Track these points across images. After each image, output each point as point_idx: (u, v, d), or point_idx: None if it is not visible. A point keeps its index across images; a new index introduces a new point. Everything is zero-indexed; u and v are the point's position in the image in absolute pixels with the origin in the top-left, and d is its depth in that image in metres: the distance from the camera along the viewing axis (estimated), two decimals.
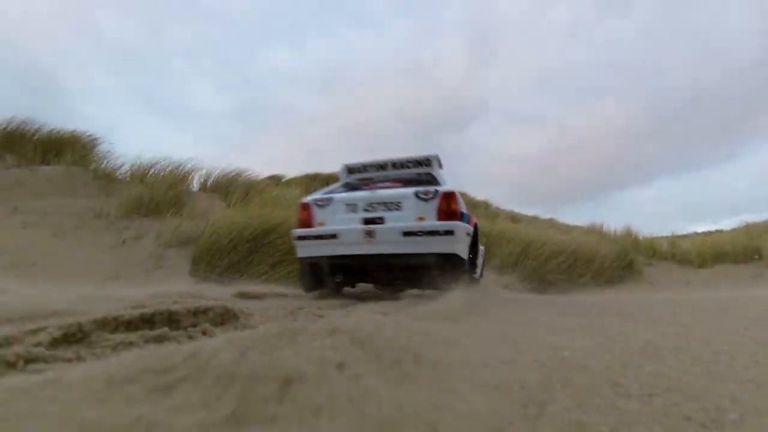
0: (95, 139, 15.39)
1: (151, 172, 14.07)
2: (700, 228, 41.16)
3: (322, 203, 7.00)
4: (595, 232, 20.01)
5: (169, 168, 14.34)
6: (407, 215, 6.63)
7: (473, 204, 28.95)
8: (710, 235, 24.54)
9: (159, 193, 12.46)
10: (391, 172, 8.29)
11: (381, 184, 7.47)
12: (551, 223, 26.93)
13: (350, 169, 8.69)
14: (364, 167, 8.57)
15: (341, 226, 6.64)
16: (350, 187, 7.61)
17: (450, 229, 6.38)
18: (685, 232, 31.00)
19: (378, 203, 6.69)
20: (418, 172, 8.00)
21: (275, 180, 24.41)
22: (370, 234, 6.36)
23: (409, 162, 8.21)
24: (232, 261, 9.78)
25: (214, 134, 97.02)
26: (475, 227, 7.81)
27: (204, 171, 15.85)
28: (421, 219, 6.54)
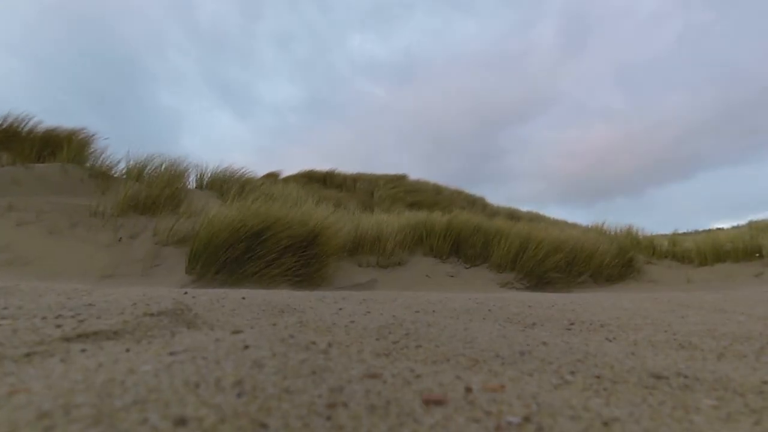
0: (91, 136, 15.44)
1: (147, 170, 14.13)
2: (722, 225, 41.18)
3: None
4: (595, 230, 20.05)
5: (166, 165, 14.40)
6: None
7: (473, 202, 29.07)
8: (711, 234, 24.57)
9: (155, 191, 12.50)
10: None
11: None
12: (551, 221, 26.98)
13: None
14: None
15: None
16: None
17: None
18: (685, 231, 31.06)
19: None
20: None
21: (272, 177, 24.48)
22: None
23: None
24: (228, 259, 9.86)
25: (275, 127, 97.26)
26: None
27: (200, 168, 15.98)
28: None
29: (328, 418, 1.37)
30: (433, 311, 4.95)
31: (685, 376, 2.40)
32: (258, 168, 31.46)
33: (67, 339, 2.27)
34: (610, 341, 3.46)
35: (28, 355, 2.04)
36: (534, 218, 27.59)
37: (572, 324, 4.40)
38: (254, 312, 4.20)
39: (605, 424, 1.68)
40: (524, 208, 31.64)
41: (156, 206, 12.18)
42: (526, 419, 1.60)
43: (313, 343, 2.17)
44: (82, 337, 2.32)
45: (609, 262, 15.60)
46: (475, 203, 28.86)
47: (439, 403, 1.61)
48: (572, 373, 2.41)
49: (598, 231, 19.78)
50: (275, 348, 1.96)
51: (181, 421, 1.25)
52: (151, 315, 2.80)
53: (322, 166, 30.73)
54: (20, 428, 1.24)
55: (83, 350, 2.11)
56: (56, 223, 10.60)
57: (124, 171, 14.30)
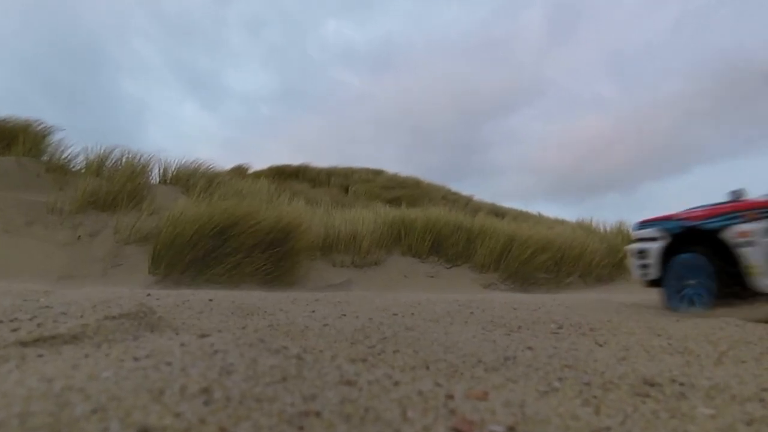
0: (49, 127, 15.25)
1: (107, 164, 14.00)
2: None
3: None
4: (583, 228, 20.10)
5: (127, 159, 14.26)
6: None
7: (454, 198, 29.06)
8: None
9: (116, 186, 12.38)
10: None
11: None
12: (537, 219, 27.03)
13: None
14: None
15: None
16: None
17: None
18: None
19: None
20: None
21: (240, 172, 24.35)
22: None
23: None
24: (194, 258, 9.81)
25: (245, 118, 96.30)
26: None
27: (164, 162, 15.85)
28: None
29: (301, 428, 1.36)
30: (412, 314, 4.94)
31: (680, 383, 2.41)
32: (226, 161, 31.22)
33: (23, 344, 2.25)
34: (601, 346, 3.48)
35: None
36: (520, 215, 27.59)
37: (560, 327, 4.41)
38: (222, 314, 4.18)
39: None
40: (509, 204, 31.68)
41: (117, 202, 12.05)
42: (511, 429, 1.60)
43: (285, 347, 2.15)
44: (39, 341, 2.30)
45: (599, 261, 15.63)
46: (457, 199, 28.85)
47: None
48: (560, 379, 2.42)
49: (588, 229, 19.80)
50: (244, 353, 1.94)
51: (144, 431, 1.24)
52: (113, 318, 2.77)
53: (294, 159, 30.65)
54: None
55: (40, 355, 2.08)
56: (11, 221, 10.48)
57: (83, 165, 14.15)
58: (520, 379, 2.37)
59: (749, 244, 5.78)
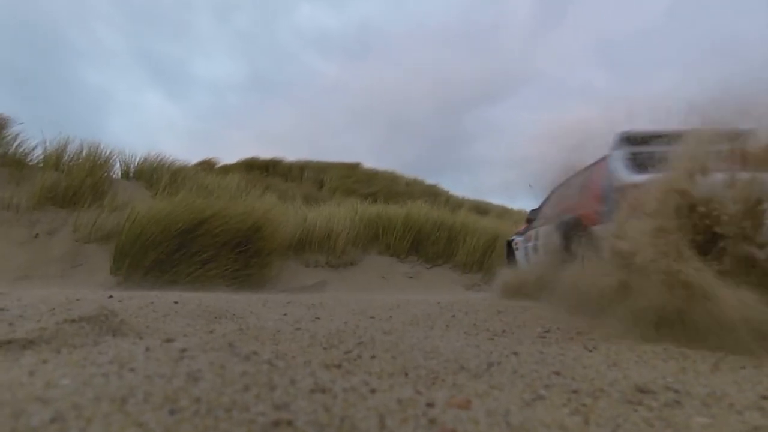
0: (4, 118, 15.10)
1: (66, 157, 13.88)
2: None
3: None
4: None
5: (87, 152, 14.14)
6: None
7: (434, 193, 29.09)
8: None
9: (76, 181, 12.28)
10: None
11: None
12: (523, 216, 27.12)
13: None
14: None
15: None
16: None
17: None
18: None
19: None
20: None
21: (207, 166, 24.29)
22: None
23: None
24: (158, 258, 9.76)
25: (213, 108, 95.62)
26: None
27: (127, 155, 15.75)
28: None
29: None
30: (390, 317, 4.95)
31: (675, 391, 2.42)
32: (193, 155, 31.21)
33: None
34: (590, 351, 3.47)
35: None
36: (504, 212, 27.68)
37: (547, 331, 4.43)
38: (189, 317, 4.16)
39: None
40: (493, 200, 31.76)
41: (77, 198, 11.96)
42: None
43: (255, 353, 2.14)
44: None
45: None
46: (438, 195, 28.90)
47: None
48: (547, 387, 2.42)
49: None
50: (212, 359, 1.93)
51: None
52: (72, 321, 2.75)
53: (265, 152, 30.65)
54: None
55: None
56: None
57: (40, 158, 14.01)
58: (504, 387, 2.36)
59: (518, 249, 10.59)
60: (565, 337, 4.19)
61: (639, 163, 5.92)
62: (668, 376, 2.73)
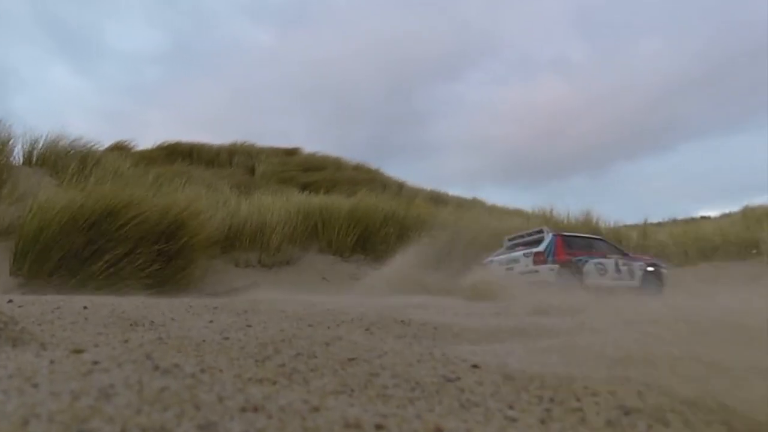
0: None
1: None
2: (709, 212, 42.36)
3: None
4: (542, 218, 20.40)
5: None
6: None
7: (384, 182, 29.16)
8: (694, 224, 25.17)
9: None
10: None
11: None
12: (486, 207, 27.32)
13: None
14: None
15: None
16: None
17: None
18: (661, 219, 31.87)
19: None
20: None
21: (122, 150, 24.08)
22: None
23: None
24: (65, 256, 9.65)
25: (128, 84, 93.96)
26: None
27: (29, 138, 15.55)
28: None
29: None
30: (335, 324, 4.97)
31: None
32: (105, 137, 30.85)
33: None
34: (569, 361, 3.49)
35: None
36: (465, 203, 27.85)
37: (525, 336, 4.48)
38: (100, 325, 4.15)
39: None
40: (452, 190, 31.88)
41: None
42: None
43: (177, 365, 2.14)
44: None
45: None
46: (389, 184, 29.00)
47: None
48: (511, 407, 2.41)
49: (546, 219, 20.10)
50: (128, 372, 1.92)
51: None
52: None
53: (188, 135, 30.62)
54: None
55: None
56: None
57: None
58: (464, 407, 2.38)
59: None
60: (548, 341, 4.23)
61: None
62: None
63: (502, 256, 16.19)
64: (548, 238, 15.99)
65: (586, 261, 15.49)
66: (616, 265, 16.00)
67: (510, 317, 6.26)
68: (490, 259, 16.26)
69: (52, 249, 9.58)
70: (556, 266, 14.93)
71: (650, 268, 16.59)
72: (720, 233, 17.75)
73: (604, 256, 16.15)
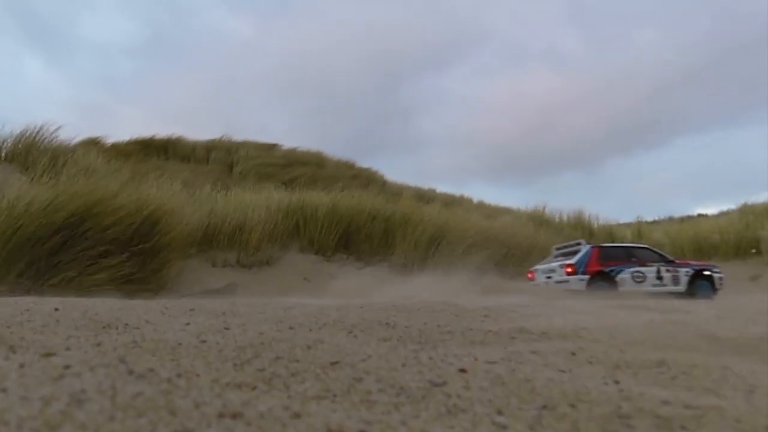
0: None
1: None
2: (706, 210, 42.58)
3: None
4: (534, 216, 20.46)
5: None
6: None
7: (368, 178, 29.18)
8: (691, 222, 25.23)
9: None
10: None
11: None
12: (475, 205, 27.36)
13: None
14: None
15: None
16: None
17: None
18: (656, 217, 32.01)
19: None
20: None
21: (97, 145, 23.98)
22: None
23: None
24: (35, 256, 9.61)
25: (102, 76, 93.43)
26: None
27: None
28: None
29: None
30: (315, 327, 4.96)
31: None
32: (77, 132, 30.71)
33: None
34: (565, 365, 3.48)
35: None
36: (452, 201, 27.91)
37: (513, 338, 4.48)
38: (72, 328, 4.13)
39: None
40: (439, 187, 31.94)
41: None
42: None
43: (152, 370, 2.13)
44: None
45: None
46: (373, 180, 29.03)
47: None
48: (500, 413, 2.39)
49: (539, 218, 20.20)
50: (101, 377, 1.91)
51: None
52: None
53: (164, 129, 30.52)
54: None
55: None
56: None
57: None
58: (451, 412, 2.38)
59: None
60: (528, 348, 4.23)
61: None
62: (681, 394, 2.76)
63: (544, 265, 18.40)
64: (584, 249, 18.03)
65: (620, 270, 17.23)
66: (658, 272, 17.71)
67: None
68: (536, 267, 18.54)
69: (21, 249, 9.53)
70: (587, 277, 16.91)
71: (705, 272, 18.41)
72: (718, 232, 17.82)
73: (644, 264, 17.75)
